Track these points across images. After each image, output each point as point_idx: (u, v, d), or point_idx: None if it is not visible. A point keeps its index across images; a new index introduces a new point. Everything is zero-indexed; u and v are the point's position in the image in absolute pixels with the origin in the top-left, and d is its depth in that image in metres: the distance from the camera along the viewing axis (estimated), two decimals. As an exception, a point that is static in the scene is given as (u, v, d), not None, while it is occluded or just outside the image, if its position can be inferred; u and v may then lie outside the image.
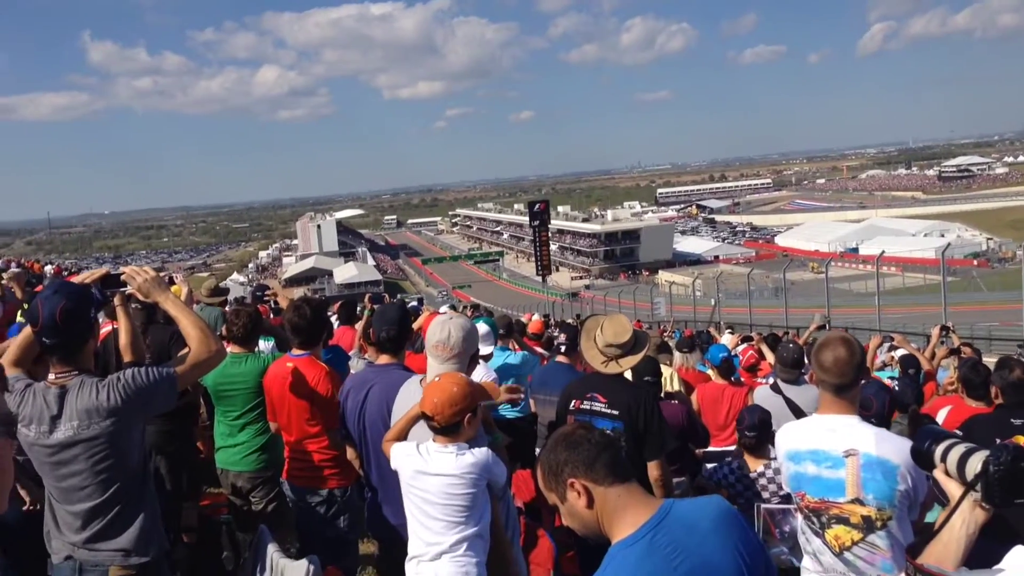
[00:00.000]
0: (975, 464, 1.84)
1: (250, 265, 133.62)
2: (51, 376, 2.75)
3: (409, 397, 3.31)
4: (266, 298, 8.35)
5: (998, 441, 1.87)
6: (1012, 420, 3.87)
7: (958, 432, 2.30)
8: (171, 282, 3.32)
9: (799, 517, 3.04)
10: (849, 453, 2.83)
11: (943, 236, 73.47)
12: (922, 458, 2.04)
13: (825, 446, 2.90)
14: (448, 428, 2.91)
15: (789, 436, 3.08)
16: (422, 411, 2.94)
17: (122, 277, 3.02)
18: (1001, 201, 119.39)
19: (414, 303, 19.26)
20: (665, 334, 16.97)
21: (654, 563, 1.78)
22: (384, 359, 3.90)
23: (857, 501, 2.80)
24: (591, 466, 1.88)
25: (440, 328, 3.27)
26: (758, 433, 4.67)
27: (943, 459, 1.95)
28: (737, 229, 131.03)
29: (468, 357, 3.29)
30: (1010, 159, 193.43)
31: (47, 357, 2.78)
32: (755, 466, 4.72)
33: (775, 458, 3.82)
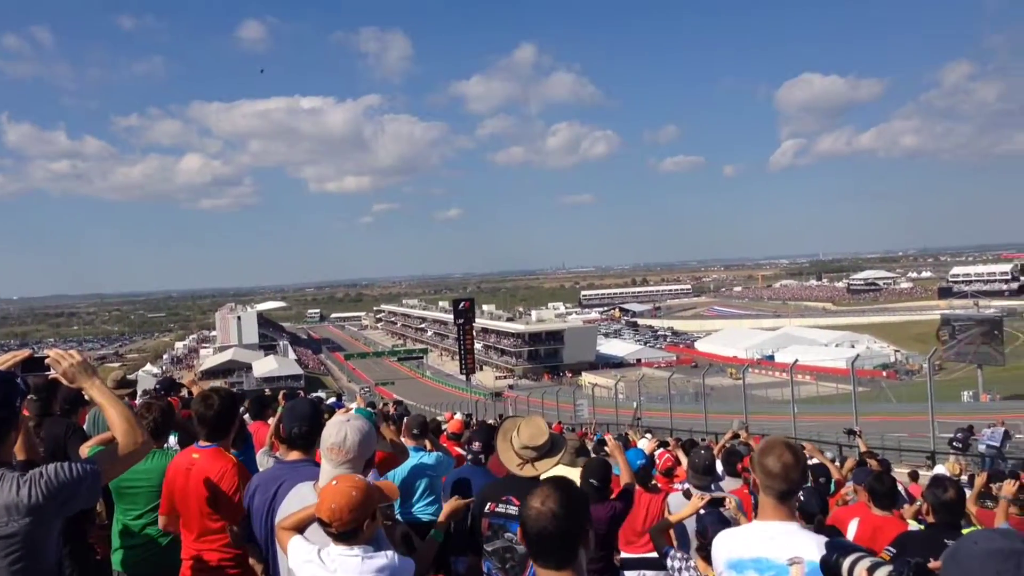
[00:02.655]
0: None
1: (164, 356, 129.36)
2: None
3: (301, 499, 3.19)
4: (180, 391, 8.09)
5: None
6: (945, 540, 3.76)
7: (862, 547, 2.32)
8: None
9: None
10: (794, 561, 2.73)
11: (853, 347, 76.26)
12: (830, 570, 2.07)
13: (769, 554, 2.80)
14: (347, 534, 2.81)
15: (729, 544, 2.97)
16: (318, 517, 2.82)
17: (46, 361, 2.88)
18: (906, 315, 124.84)
19: (332, 399, 18.89)
20: (586, 436, 16.97)
21: None
22: (294, 455, 3.78)
23: None
24: None
25: (336, 430, 3.17)
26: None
27: (850, 572, 1.98)
28: (659, 333, 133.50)
29: (363, 461, 3.19)
30: (913, 275, 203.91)
31: None
32: (706, 571, 4.67)
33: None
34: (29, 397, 4.32)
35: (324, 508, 2.78)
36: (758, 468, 2.92)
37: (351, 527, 2.79)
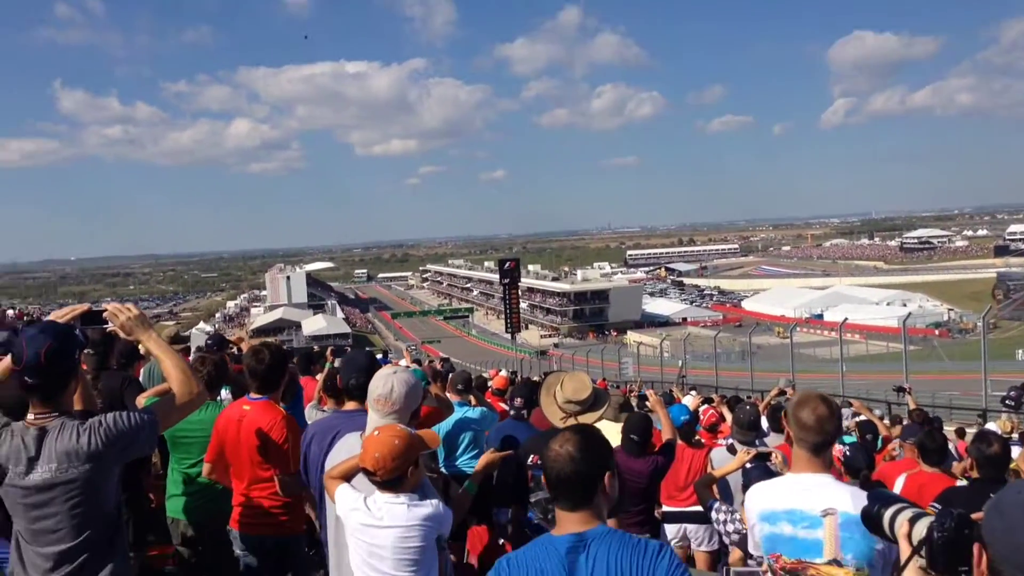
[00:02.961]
0: (920, 530, 1.84)
1: (217, 315, 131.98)
2: (30, 416, 2.67)
3: (348, 449, 3.24)
4: (230, 347, 8.28)
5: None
6: (990, 494, 3.83)
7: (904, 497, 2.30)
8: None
9: None
10: (827, 512, 2.76)
11: (905, 305, 74.82)
12: (871, 521, 2.05)
13: (802, 506, 2.83)
14: (391, 482, 2.86)
15: (762, 496, 3.00)
16: (363, 467, 2.87)
17: (104, 314, 2.97)
18: (961, 273, 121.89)
19: (380, 356, 19.14)
20: (631, 394, 16.99)
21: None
22: (351, 405, 3.83)
23: (835, 562, 2.73)
24: None
25: (383, 382, 3.21)
26: None
27: (891, 523, 1.96)
28: (705, 292, 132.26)
29: (408, 413, 3.22)
30: (969, 233, 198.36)
31: (28, 396, 2.70)
32: None
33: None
34: (87, 351, 4.45)
35: (368, 457, 2.83)
36: (792, 421, 2.93)
37: (395, 475, 2.84)
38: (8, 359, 2.75)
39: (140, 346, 6.66)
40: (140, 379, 6.07)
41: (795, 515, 2.84)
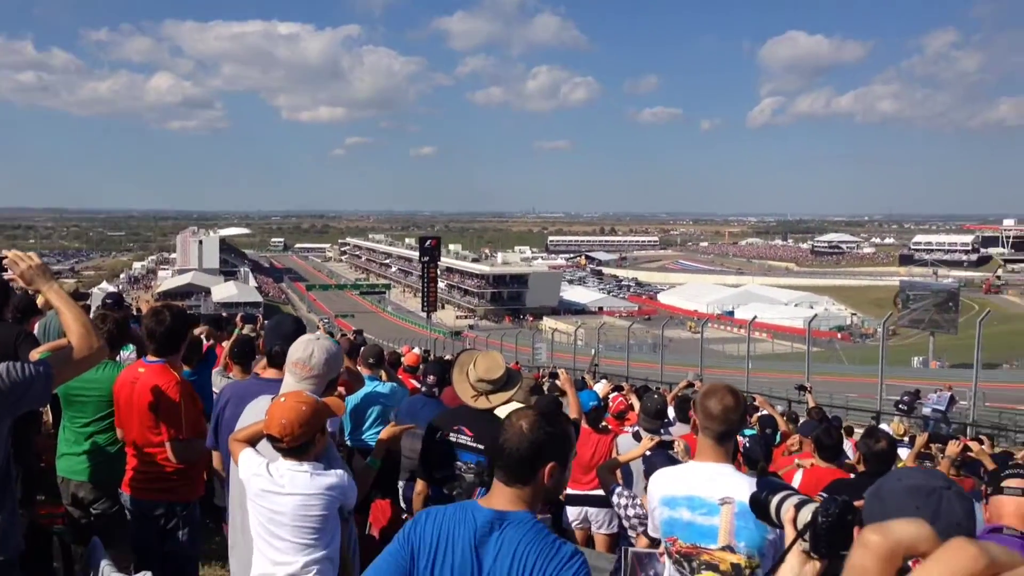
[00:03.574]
0: (805, 515, 1.90)
1: (122, 275, 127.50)
2: None
3: (257, 413, 3.19)
4: (127, 305, 8.01)
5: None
6: None
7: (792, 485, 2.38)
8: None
9: (666, 562, 3.02)
10: (724, 501, 2.84)
11: (812, 308, 77.29)
12: (758, 507, 2.11)
13: (701, 493, 2.91)
14: (296, 449, 2.83)
15: (665, 481, 3.07)
16: (268, 432, 2.81)
17: (3, 261, 2.85)
18: (867, 279, 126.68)
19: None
20: (542, 379, 17.14)
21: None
22: (272, 373, 3.76)
23: (728, 548, 2.81)
24: None
25: (303, 347, 3.18)
26: None
27: (778, 509, 2.02)
28: (623, 283, 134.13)
29: (326, 381, 3.21)
30: (876, 240, 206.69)
31: None
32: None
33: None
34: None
35: (274, 423, 2.79)
36: (699, 409, 3.01)
37: (300, 442, 2.81)
38: None
39: (37, 300, 6.45)
40: (35, 333, 5.82)
41: (694, 501, 2.91)
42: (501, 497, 2.20)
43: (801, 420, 8.89)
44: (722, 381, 3.36)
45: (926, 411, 18.03)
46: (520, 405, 5.46)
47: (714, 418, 2.93)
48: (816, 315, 39.34)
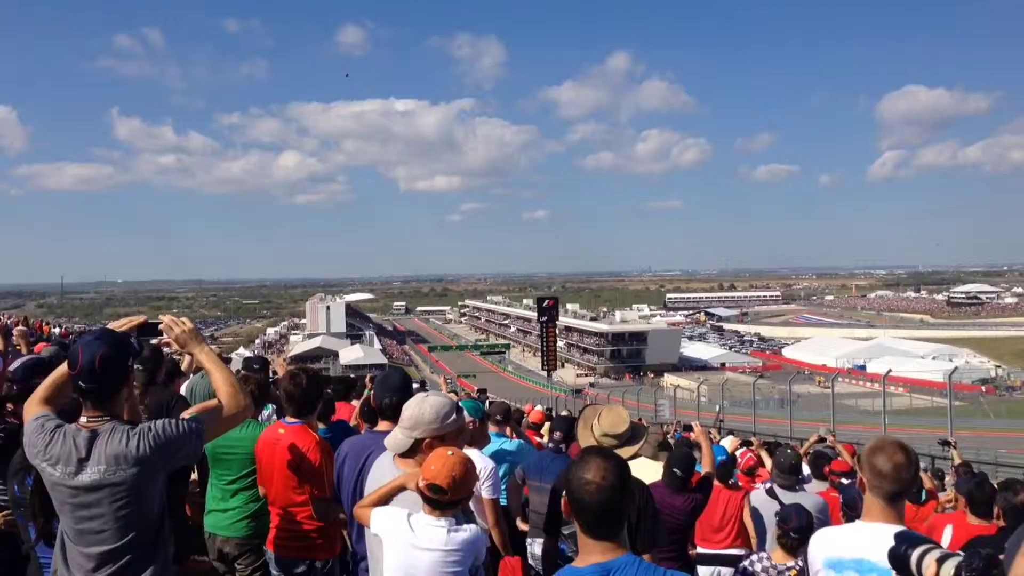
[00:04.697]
0: (948, 569, 1.85)
1: (256, 341, 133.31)
2: (82, 419, 2.76)
3: (382, 471, 3.27)
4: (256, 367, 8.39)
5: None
6: None
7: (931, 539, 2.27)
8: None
9: None
10: None
11: (951, 360, 73.29)
12: (897, 561, 2.04)
13: (872, 556, 2.65)
14: (452, 503, 2.85)
15: (830, 542, 2.88)
16: (432, 483, 2.82)
17: (160, 326, 3.08)
18: (1009, 330, 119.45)
19: (416, 386, 19.19)
20: (667, 436, 16.83)
21: None
22: (384, 425, 3.83)
23: None
24: None
25: (416, 404, 3.24)
26: (802, 535, 4.47)
27: (919, 563, 1.96)
28: (744, 338, 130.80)
29: (441, 437, 3.21)
30: (1019, 289, 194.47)
31: (81, 400, 2.79)
32: (785, 560, 4.59)
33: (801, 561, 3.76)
34: (136, 366, 4.55)
35: (443, 476, 2.81)
36: (866, 467, 2.81)
37: (461, 496, 2.86)
38: (65, 365, 2.84)
39: (182, 364, 6.85)
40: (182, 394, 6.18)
41: (864, 565, 2.72)
42: (595, 552, 2.18)
43: (946, 477, 8.42)
44: (854, 439, 3.22)
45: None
46: (649, 463, 5.42)
47: (884, 476, 2.74)
48: (956, 367, 37.18)
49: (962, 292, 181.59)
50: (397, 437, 3.22)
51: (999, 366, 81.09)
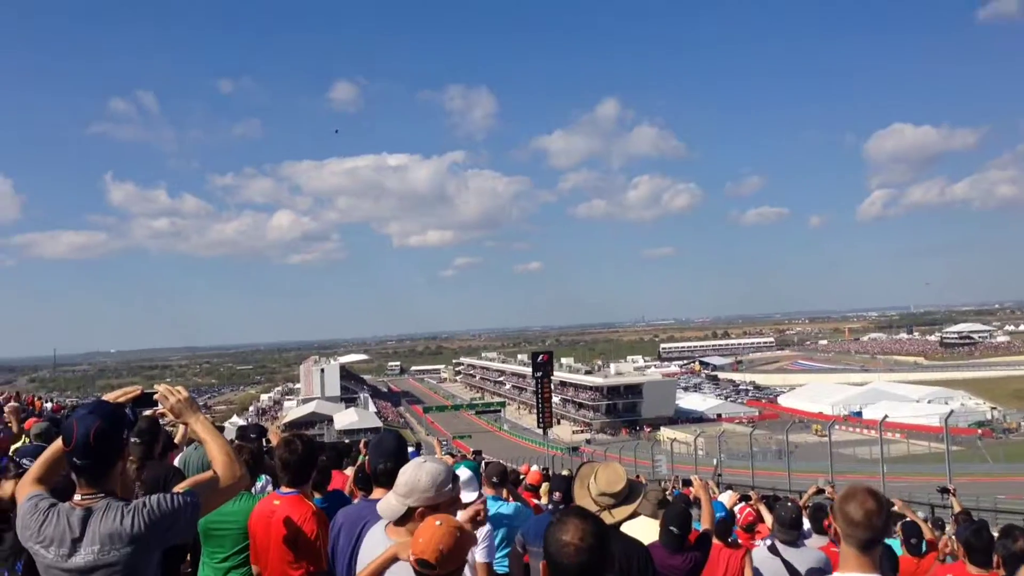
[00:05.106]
0: None
1: (251, 408, 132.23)
2: (77, 497, 2.70)
3: (375, 542, 3.21)
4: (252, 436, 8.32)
5: None
6: None
7: None
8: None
9: None
10: None
11: (947, 403, 73.10)
12: None
13: None
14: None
15: None
16: (420, 558, 2.69)
17: (155, 396, 3.03)
18: (1004, 370, 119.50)
19: (412, 450, 19.03)
20: (666, 492, 16.69)
21: None
22: (379, 493, 3.72)
23: None
24: None
25: (411, 471, 3.18)
26: None
27: None
28: (740, 387, 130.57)
29: (433, 505, 3.15)
30: (1011, 327, 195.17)
31: (75, 477, 2.72)
32: None
33: None
34: (133, 440, 4.50)
35: (431, 549, 2.69)
36: (839, 516, 2.82)
37: (451, 569, 2.74)
38: (59, 441, 2.78)
39: (175, 436, 6.78)
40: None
41: None
42: None
43: (947, 526, 8.35)
44: (860, 483, 3.21)
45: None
46: (648, 520, 5.37)
47: (857, 524, 2.75)
48: (952, 411, 37.03)
49: (955, 332, 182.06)
50: (391, 503, 3.15)
51: (995, 407, 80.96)
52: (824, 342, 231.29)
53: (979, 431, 64.84)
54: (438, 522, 2.79)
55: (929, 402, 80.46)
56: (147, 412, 3.10)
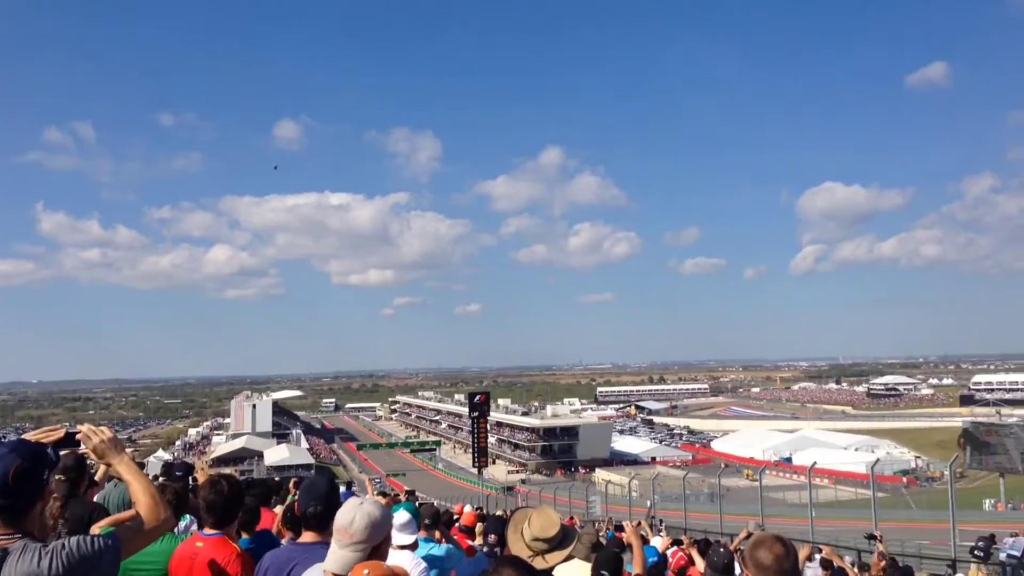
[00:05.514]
0: None
1: (177, 442, 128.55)
2: None
3: None
4: (177, 474, 8.08)
5: None
6: None
7: None
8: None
9: None
10: None
11: (873, 451, 74.91)
12: None
13: None
14: None
15: None
16: None
17: (77, 436, 2.91)
18: (928, 421, 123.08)
19: (343, 489, 18.67)
20: (599, 534, 16.67)
21: None
22: (309, 536, 3.67)
23: None
24: None
25: (346, 512, 3.08)
26: None
27: None
28: (675, 432, 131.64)
29: (371, 547, 3.03)
30: (935, 381, 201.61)
31: None
32: None
33: None
34: (58, 477, 4.33)
35: None
36: (750, 562, 2.92)
37: None
38: None
39: (96, 474, 6.54)
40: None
41: None
42: None
43: (871, 571, 8.49)
44: (783, 532, 3.28)
45: (1002, 556, 17.15)
46: (582, 564, 5.35)
47: (767, 569, 2.84)
48: (878, 459, 38.11)
49: (881, 384, 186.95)
50: (348, 556, 2.98)
51: (919, 456, 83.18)
52: (756, 390, 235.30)
53: (904, 479, 66.60)
54: (366, 571, 2.72)
55: (856, 450, 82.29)
56: (70, 454, 2.97)
